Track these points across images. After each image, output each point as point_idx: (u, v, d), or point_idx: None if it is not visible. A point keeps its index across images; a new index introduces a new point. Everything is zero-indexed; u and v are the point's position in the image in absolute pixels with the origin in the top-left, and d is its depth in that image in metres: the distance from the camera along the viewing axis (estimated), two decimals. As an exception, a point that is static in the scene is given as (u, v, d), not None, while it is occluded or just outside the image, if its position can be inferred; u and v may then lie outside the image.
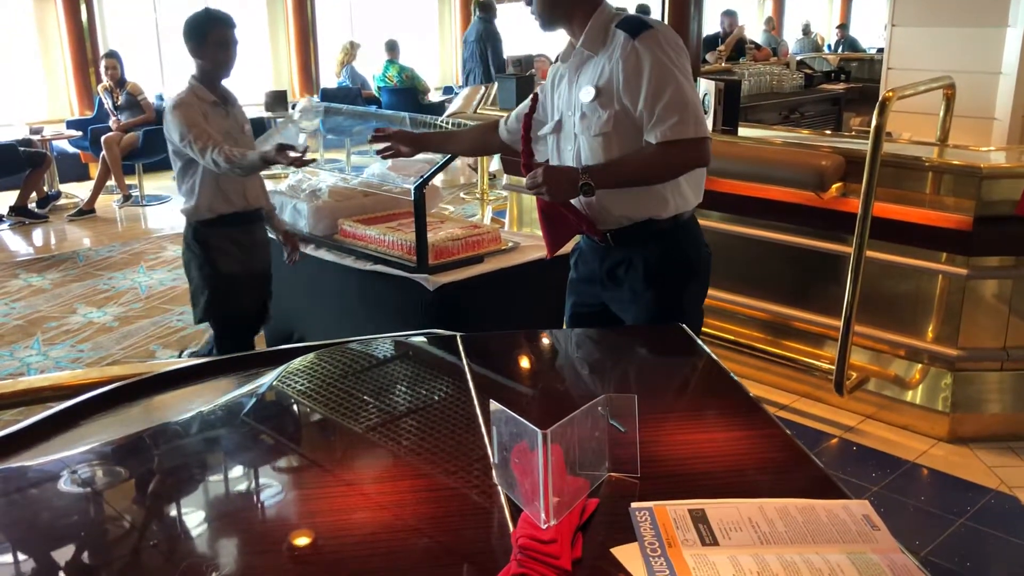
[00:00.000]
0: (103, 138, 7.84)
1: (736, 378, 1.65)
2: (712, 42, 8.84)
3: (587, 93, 2.15)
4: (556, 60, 2.39)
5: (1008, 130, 4.70)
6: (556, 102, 2.31)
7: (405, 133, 2.65)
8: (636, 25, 2.11)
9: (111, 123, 8.01)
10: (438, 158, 3.69)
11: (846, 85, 7.83)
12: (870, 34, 13.08)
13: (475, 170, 7.42)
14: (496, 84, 5.24)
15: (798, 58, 9.05)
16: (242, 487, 1.42)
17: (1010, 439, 3.52)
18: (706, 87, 4.14)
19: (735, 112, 4.14)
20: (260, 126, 7.29)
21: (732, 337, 4.12)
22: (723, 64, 7.80)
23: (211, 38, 3.27)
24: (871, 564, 1.06)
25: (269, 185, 5.37)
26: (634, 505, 1.21)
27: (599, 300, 2.35)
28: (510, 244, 3.67)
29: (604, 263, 2.29)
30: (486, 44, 8.99)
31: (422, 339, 1.91)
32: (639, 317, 2.23)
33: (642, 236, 2.22)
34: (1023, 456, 3.43)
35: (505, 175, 5.28)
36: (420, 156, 5.42)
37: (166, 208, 7.95)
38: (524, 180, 2.11)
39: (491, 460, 1.31)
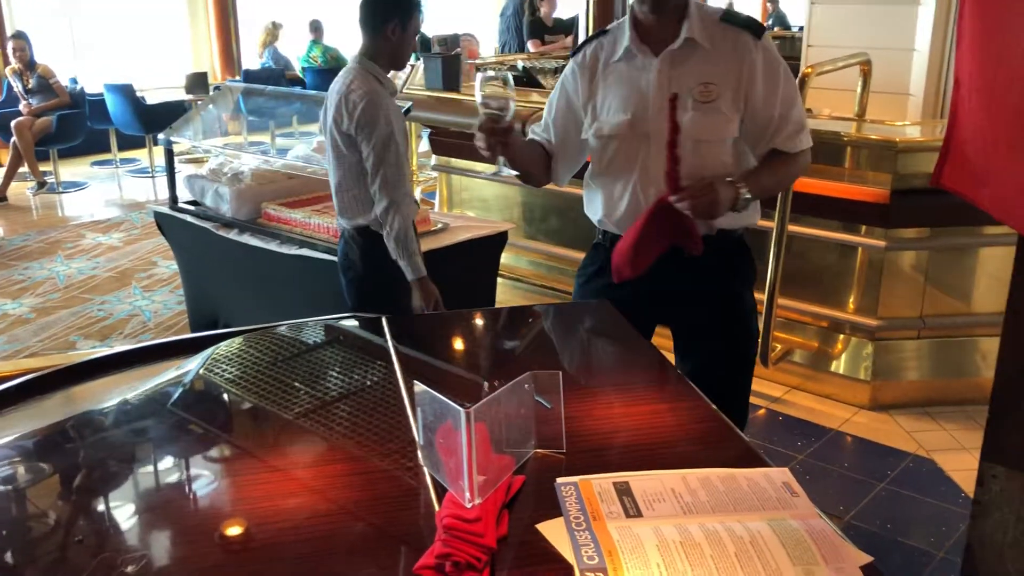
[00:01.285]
0: (13, 123, 7.55)
1: (661, 352, 1.66)
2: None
3: (707, 93, 1.94)
4: (579, 53, 2.12)
5: (922, 105, 4.83)
6: (615, 97, 2.02)
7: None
8: (755, 25, 1.99)
9: (21, 107, 7.71)
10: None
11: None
12: (800, 10, 13.24)
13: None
14: (422, 63, 5.19)
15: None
16: (170, 477, 1.38)
17: (927, 404, 3.65)
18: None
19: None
20: (180, 109, 7.10)
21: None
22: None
23: (414, 23, 2.76)
24: (790, 530, 1.08)
25: (188, 169, 5.25)
26: (559, 480, 1.21)
27: (647, 319, 2.09)
28: (439, 225, 3.65)
29: (678, 277, 2.04)
30: (520, 18, 8.87)
31: (348, 322, 1.89)
32: (726, 329, 2.11)
33: (727, 246, 2.09)
34: (939, 420, 3.55)
35: (434, 155, 5.24)
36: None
37: (84, 195, 7.71)
38: (674, 197, 1.85)
39: (417, 441, 1.30)
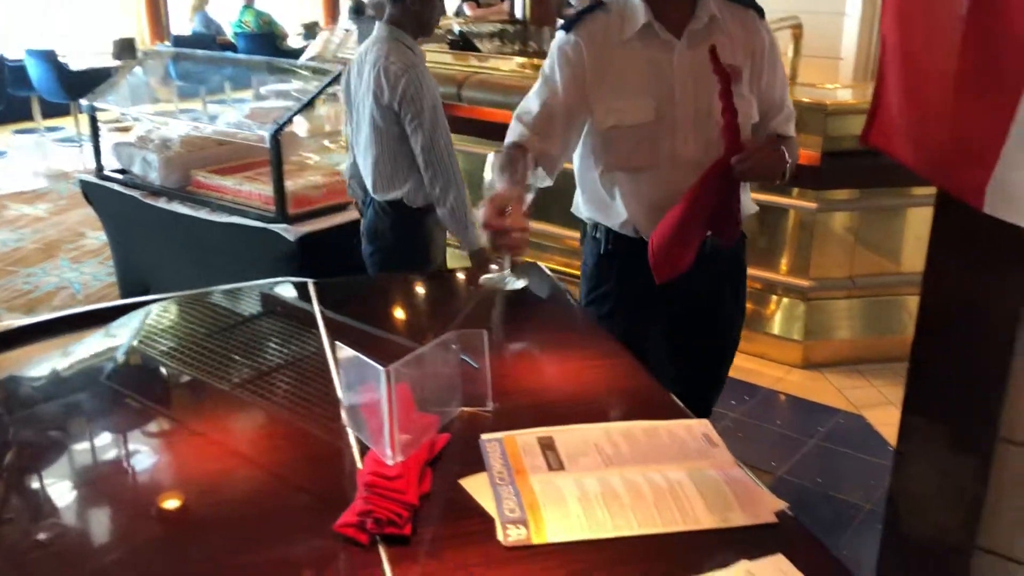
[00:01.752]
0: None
1: (586, 313, 1.67)
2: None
3: (732, 72, 1.76)
4: (579, 26, 1.84)
5: (853, 68, 4.91)
6: (639, 82, 1.80)
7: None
8: (756, 4, 1.87)
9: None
10: (292, 104, 3.58)
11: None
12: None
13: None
14: (355, 27, 5.10)
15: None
16: (101, 449, 1.35)
17: (857, 362, 3.74)
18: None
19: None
20: (107, 76, 6.89)
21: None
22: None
23: None
24: (708, 478, 1.10)
25: (115, 137, 5.11)
26: (484, 437, 1.21)
27: (659, 317, 1.95)
28: (376, 192, 3.60)
29: (704, 272, 1.86)
30: None
31: (275, 288, 1.86)
32: (734, 317, 2.07)
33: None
34: (868, 378, 3.65)
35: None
36: (279, 102, 5.24)
37: (4, 164, 7.47)
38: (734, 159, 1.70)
39: (341, 403, 1.29)
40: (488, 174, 1.53)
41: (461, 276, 2.02)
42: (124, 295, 4.07)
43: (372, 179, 2.82)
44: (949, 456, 1.98)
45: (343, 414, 1.26)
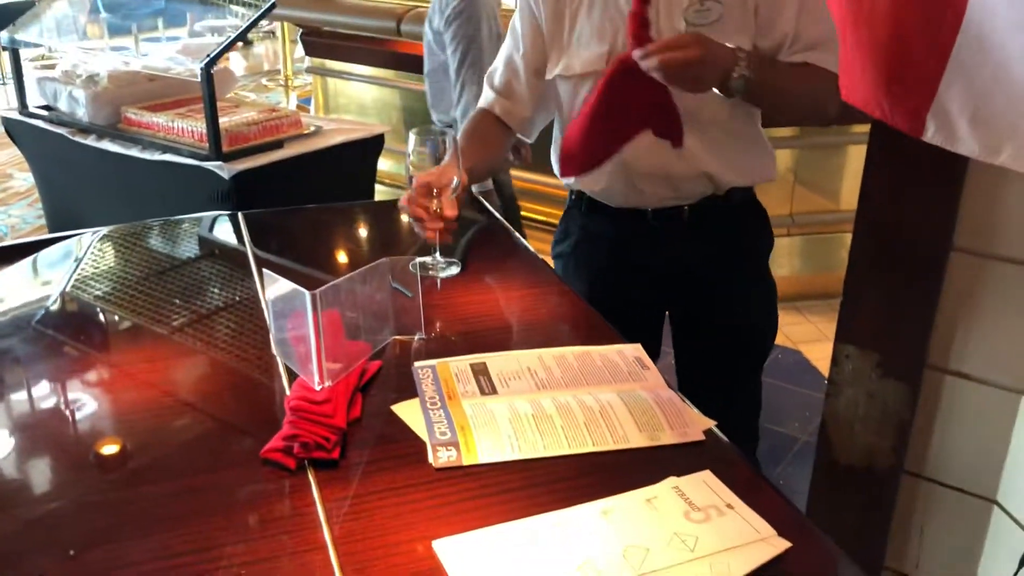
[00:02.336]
0: None
1: (521, 238, 1.66)
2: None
3: (706, 12, 1.46)
4: None
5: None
6: (595, 26, 1.56)
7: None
8: None
9: None
10: (223, 39, 3.46)
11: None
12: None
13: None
14: (290, -40, 4.93)
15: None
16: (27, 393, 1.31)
17: (796, 299, 3.80)
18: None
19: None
20: (29, 8, 6.59)
21: (542, 218, 4.19)
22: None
23: None
24: (639, 399, 1.11)
25: (38, 72, 4.91)
26: (416, 364, 1.20)
27: (660, 300, 1.75)
28: (312, 128, 3.53)
29: (684, 248, 1.66)
30: None
31: (204, 221, 1.81)
32: (754, 316, 1.81)
33: (739, 209, 1.70)
34: (806, 314, 3.72)
35: (308, 58, 5.05)
36: (214, 39, 5.07)
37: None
38: (636, 52, 1.38)
39: (270, 331, 1.26)
40: (410, 151, 1.40)
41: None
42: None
43: (430, 98, 3.09)
44: (878, 383, 2.03)
45: (272, 344, 1.23)
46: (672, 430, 1.05)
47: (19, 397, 1.27)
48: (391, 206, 2.07)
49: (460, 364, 1.20)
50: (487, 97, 1.70)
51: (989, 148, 1.63)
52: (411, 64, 4.43)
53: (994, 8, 1.56)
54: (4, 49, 3.79)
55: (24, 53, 3.81)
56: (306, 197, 3.43)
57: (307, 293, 1.04)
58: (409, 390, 1.15)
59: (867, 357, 2.04)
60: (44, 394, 1.27)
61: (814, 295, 3.78)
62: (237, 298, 1.45)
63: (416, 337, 1.29)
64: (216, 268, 1.57)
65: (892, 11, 1.70)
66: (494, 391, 1.13)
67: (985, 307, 1.88)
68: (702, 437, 1.05)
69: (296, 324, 1.14)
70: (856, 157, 3.86)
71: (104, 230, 1.74)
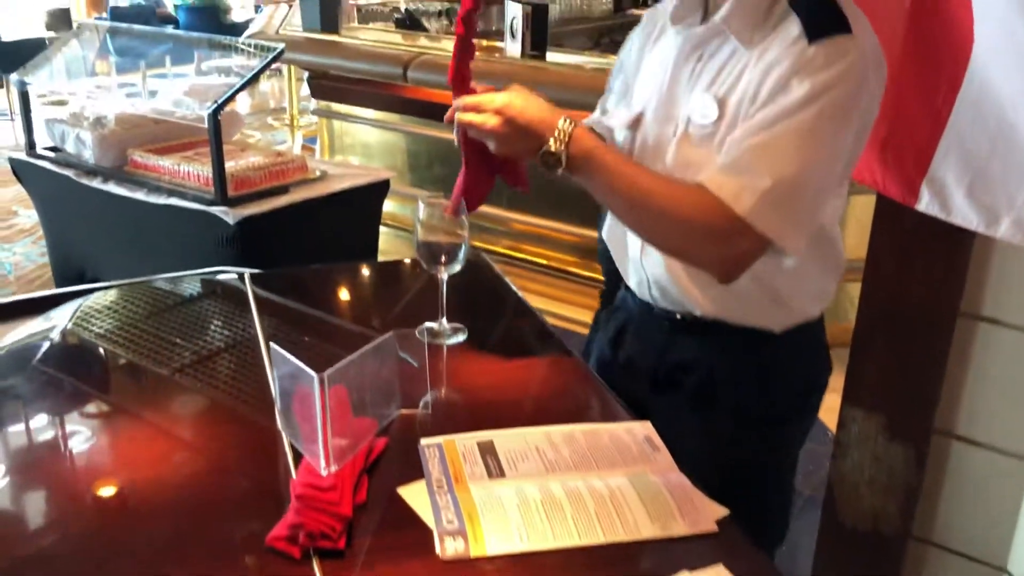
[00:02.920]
0: None
1: (531, 305, 1.65)
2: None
3: (704, 109, 1.30)
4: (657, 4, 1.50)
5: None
6: (644, 82, 1.45)
7: None
8: (825, 18, 1.23)
9: None
10: (235, 80, 3.48)
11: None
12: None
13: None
14: (298, 2, 4.99)
15: (609, -19, 9.11)
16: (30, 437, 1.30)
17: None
18: (513, 11, 4.10)
19: (543, 37, 4.12)
20: (40, 48, 6.66)
21: (543, 261, 4.19)
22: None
23: None
24: (649, 484, 1.09)
25: (47, 112, 4.94)
26: (423, 441, 1.19)
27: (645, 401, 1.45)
28: (318, 173, 3.54)
29: (664, 354, 1.47)
30: None
31: (209, 278, 1.80)
32: (699, 460, 1.24)
33: (733, 338, 1.42)
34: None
35: (314, 100, 5.08)
36: (220, 79, 5.10)
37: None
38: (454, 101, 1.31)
39: (275, 405, 1.25)
40: (420, 217, 1.37)
41: (398, 267, 1.98)
42: (57, 277, 3.95)
43: None
44: (886, 446, 2.02)
45: (277, 418, 1.22)
46: (684, 519, 1.04)
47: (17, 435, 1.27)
48: (397, 266, 2.07)
49: (467, 442, 1.18)
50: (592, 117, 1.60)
51: (986, 220, 1.63)
52: (417, 109, 4.46)
53: (993, 76, 1.57)
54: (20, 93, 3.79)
55: (33, 90, 3.83)
56: (311, 241, 3.46)
57: (315, 376, 1.03)
58: (415, 469, 1.14)
59: (874, 420, 2.02)
60: (43, 434, 1.27)
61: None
62: (242, 362, 1.43)
63: (422, 411, 1.27)
64: (221, 335, 1.55)
65: (891, 70, 1.71)
66: (502, 473, 1.12)
67: (993, 373, 1.87)
68: (714, 528, 1.03)
69: (302, 401, 1.13)
70: (859, 206, 3.85)
71: (104, 292, 1.72)
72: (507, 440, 1.19)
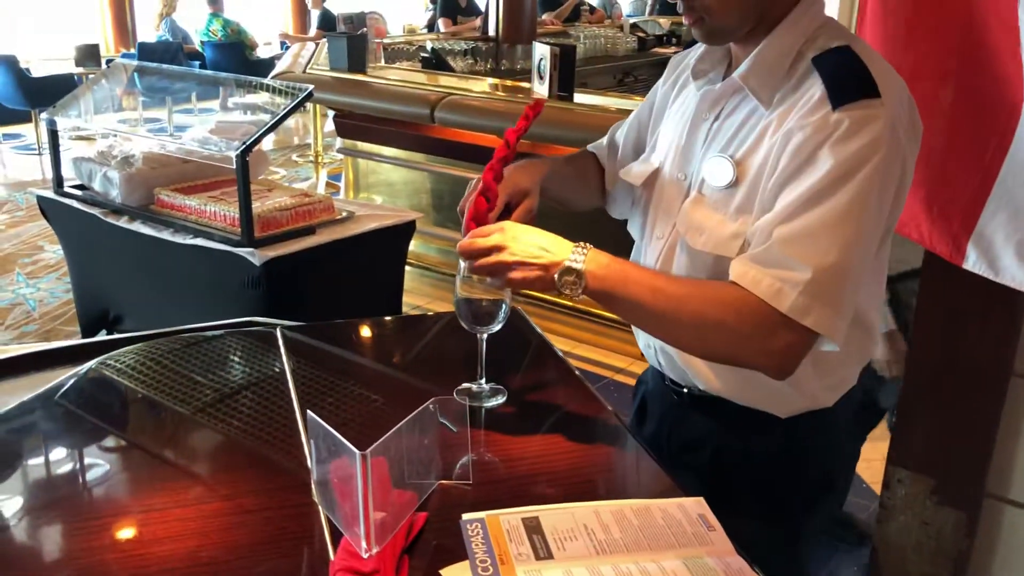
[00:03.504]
0: None
1: (573, 367, 1.60)
2: (550, 2, 8.82)
3: (719, 172, 1.25)
4: (688, 50, 1.44)
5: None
6: (663, 134, 1.42)
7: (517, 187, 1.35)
8: (851, 81, 1.15)
9: None
10: (266, 118, 3.47)
11: (677, 48, 7.99)
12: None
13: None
14: (325, 43, 5.01)
15: (631, 21, 9.17)
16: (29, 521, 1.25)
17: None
18: (541, 52, 4.08)
19: (571, 77, 4.11)
20: (69, 83, 6.73)
21: (569, 304, 4.14)
22: (559, 25, 7.80)
23: None
24: (707, 569, 1.03)
25: (78, 149, 4.97)
26: (465, 517, 1.13)
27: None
28: (344, 213, 3.52)
29: (673, 429, 1.44)
30: None
31: (237, 332, 1.76)
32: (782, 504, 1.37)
33: (740, 419, 1.36)
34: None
35: (339, 138, 5.08)
36: (247, 116, 5.12)
37: None
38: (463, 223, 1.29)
39: (311, 476, 1.20)
40: (461, 272, 1.32)
41: (430, 320, 1.93)
42: (81, 315, 3.93)
43: None
44: (935, 510, 1.94)
45: (314, 491, 1.17)
46: (745, 611, 0.97)
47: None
48: (432, 320, 2.02)
49: (511, 519, 1.13)
50: (599, 142, 1.60)
51: (1037, 280, 1.57)
52: (443, 149, 4.45)
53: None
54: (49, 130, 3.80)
55: (62, 126, 3.84)
56: (337, 282, 3.43)
57: (357, 453, 0.98)
58: (457, 548, 1.08)
59: (922, 483, 1.95)
60: (50, 517, 1.22)
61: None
62: (273, 427, 1.38)
63: (463, 483, 1.22)
64: (254, 399, 1.50)
65: (937, 127, 1.66)
66: (550, 555, 1.06)
67: (1048, 435, 1.80)
68: (777, 620, 0.97)
69: (341, 475, 1.08)
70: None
71: (133, 340, 1.68)
72: (554, 517, 1.13)
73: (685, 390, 1.40)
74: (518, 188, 1.33)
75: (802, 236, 1.13)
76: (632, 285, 1.20)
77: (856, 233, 1.14)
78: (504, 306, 1.35)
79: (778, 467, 1.37)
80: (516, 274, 1.20)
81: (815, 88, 1.16)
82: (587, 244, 1.22)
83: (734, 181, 1.23)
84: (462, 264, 1.31)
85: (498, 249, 1.20)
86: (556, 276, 1.19)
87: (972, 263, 1.60)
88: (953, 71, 1.60)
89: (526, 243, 1.21)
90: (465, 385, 1.44)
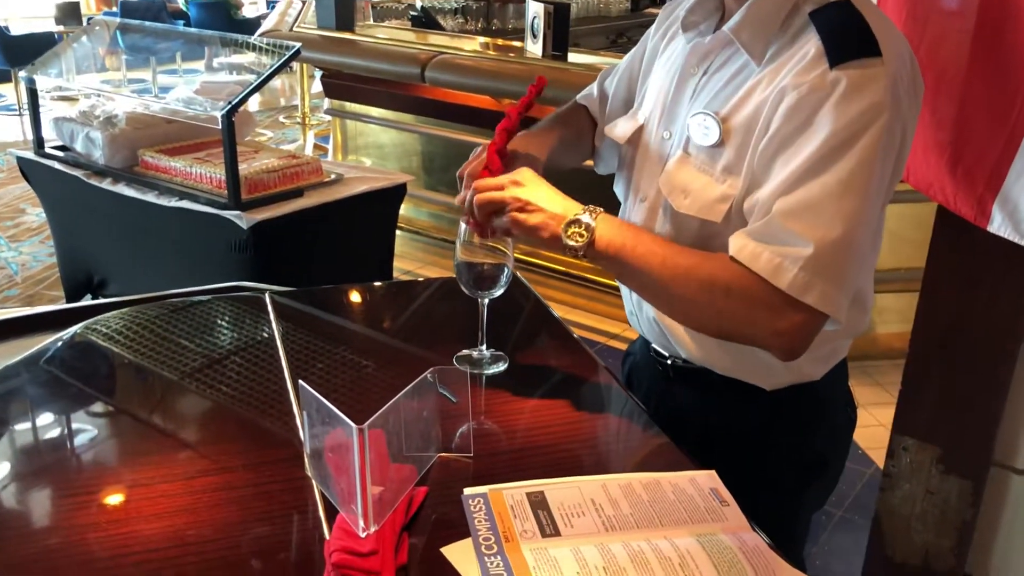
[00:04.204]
0: None
1: (572, 330, 1.54)
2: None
3: (704, 130, 1.19)
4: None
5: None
6: (651, 89, 1.35)
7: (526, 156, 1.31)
8: (850, 38, 1.08)
9: None
10: (252, 78, 3.37)
11: (671, 9, 7.84)
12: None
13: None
14: (313, 0, 4.88)
15: (624, -20, 8.98)
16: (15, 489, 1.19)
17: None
18: (535, 10, 3.98)
19: (565, 37, 4.01)
20: (49, 42, 6.57)
21: (562, 268, 4.08)
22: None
23: None
24: (722, 547, 0.98)
25: (59, 109, 4.84)
26: (467, 491, 1.08)
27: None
28: (332, 176, 3.43)
29: (660, 402, 1.39)
30: None
31: (226, 297, 1.69)
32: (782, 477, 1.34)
33: (725, 391, 1.31)
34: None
35: (327, 99, 4.97)
36: (233, 76, 5.00)
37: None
38: (465, 174, 1.26)
39: (304, 448, 1.14)
40: (461, 236, 1.28)
41: (428, 285, 1.87)
42: (65, 279, 3.85)
43: None
44: (939, 478, 1.90)
45: (307, 464, 1.11)
46: (763, 590, 0.93)
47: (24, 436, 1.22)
48: (428, 285, 1.96)
49: (515, 493, 1.07)
50: (588, 91, 1.53)
51: (1063, 245, 1.52)
52: (433, 110, 4.35)
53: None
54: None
55: (42, 86, 3.73)
56: (326, 246, 3.35)
57: (354, 427, 0.92)
58: (459, 524, 1.03)
59: (927, 451, 1.91)
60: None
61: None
62: (263, 397, 1.32)
63: (464, 455, 1.16)
64: (243, 365, 1.44)
65: (961, 86, 1.60)
66: (556, 532, 1.01)
67: (1057, 403, 1.76)
68: (797, 600, 0.92)
69: (336, 449, 1.02)
70: (887, 215, 3.74)
71: (115, 312, 1.62)
72: (559, 491, 1.08)
73: (669, 361, 1.36)
74: (531, 159, 1.28)
75: (803, 209, 1.07)
76: (641, 248, 1.14)
77: (860, 205, 1.07)
78: (506, 270, 1.29)
79: (766, 441, 1.31)
80: (522, 215, 1.16)
81: (811, 44, 1.09)
82: (598, 207, 1.17)
83: (720, 140, 1.17)
84: (463, 227, 1.25)
85: (511, 187, 1.17)
86: (563, 227, 1.14)
87: (997, 226, 1.54)
88: (969, 35, 1.54)
89: (537, 189, 1.17)
90: (465, 352, 1.38)
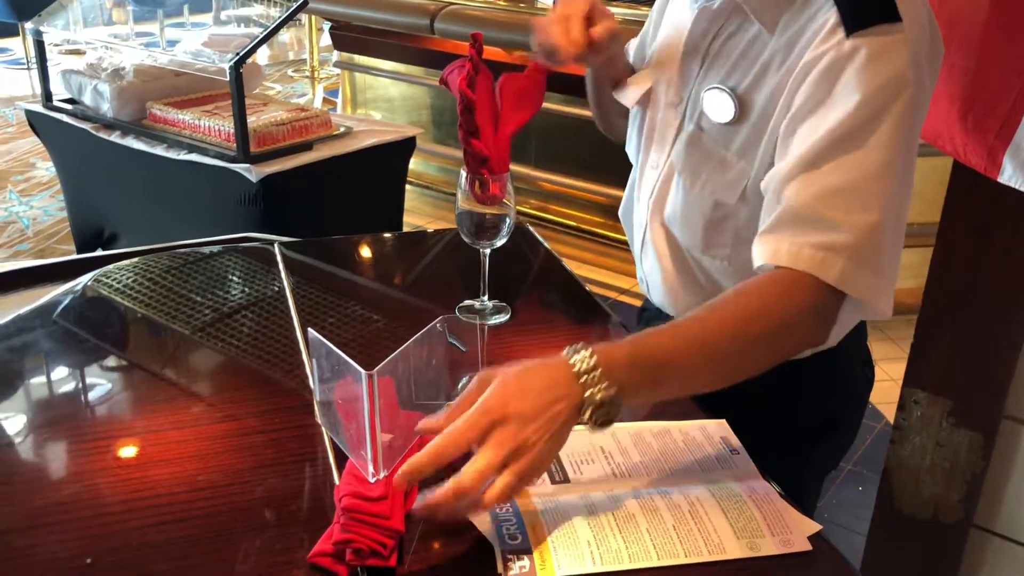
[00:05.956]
0: None
1: (584, 283, 1.53)
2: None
3: (719, 107, 1.14)
4: None
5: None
6: (658, 52, 1.29)
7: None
8: (867, 3, 1.02)
9: None
10: (259, 31, 3.34)
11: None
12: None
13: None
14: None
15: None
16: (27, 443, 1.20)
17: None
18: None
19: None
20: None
21: (574, 223, 4.06)
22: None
23: None
24: (732, 495, 0.98)
25: (67, 62, 4.81)
26: (477, 440, 1.08)
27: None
28: (342, 129, 3.41)
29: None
30: None
31: (235, 249, 1.69)
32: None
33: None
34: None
35: (336, 51, 4.92)
36: (241, 29, 4.95)
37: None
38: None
39: (313, 396, 1.14)
40: (462, 185, 1.25)
41: (438, 237, 1.86)
42: (76, 233, 3.86)
43: None
44: (950, 431, 1.90)
45: (316, 411, 1.11)
46: (773, 537, 0.92)
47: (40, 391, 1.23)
48: (432, 236, 1.95)
49: (525, 441, 1.07)
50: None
51: (1074, 196, 1.50)
52: (443, 62, 4.30)
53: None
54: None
55: (49, 38, 3.70)
56: (335, 200, 3.34)
57: (363, 373, 0.92)
58: (468, 470, 1.03)
59: (938, 404, 1.90)
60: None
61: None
62: (272, 346, 1.32)
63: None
64: (253, 316, 1.44)
65: (974, 35, 1.56)
66: (566, 479, 1.01)
67: (1072, 355, 1.75)
68: (808, 547, 0.92)
69: (345, 396, 1.02)
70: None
71: (125, 263, 1.62)
72: (569, 439, 1.07)
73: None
74: (602, 12, 1.15)
75: (837, 191, 0.99)
76: (674, 358, 0.95)
77: (895, 183, 1.00)
78: (508, 220, 1.28)
79: (779, 401, 1.24)
80: (540, 465, 0.88)
81: (826, 11, 1.03)
82: (580, 345, 0.93)
83: (736, 117, 1.11)
84: (463, 174, 1.24)
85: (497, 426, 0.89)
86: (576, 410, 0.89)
87: (1008, 176, 1.52)
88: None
89: (527, 402, 0.89)
90: (467, 302, 1.37)
